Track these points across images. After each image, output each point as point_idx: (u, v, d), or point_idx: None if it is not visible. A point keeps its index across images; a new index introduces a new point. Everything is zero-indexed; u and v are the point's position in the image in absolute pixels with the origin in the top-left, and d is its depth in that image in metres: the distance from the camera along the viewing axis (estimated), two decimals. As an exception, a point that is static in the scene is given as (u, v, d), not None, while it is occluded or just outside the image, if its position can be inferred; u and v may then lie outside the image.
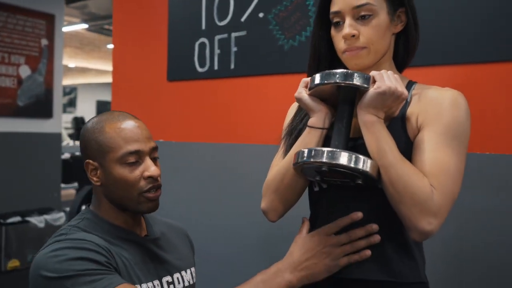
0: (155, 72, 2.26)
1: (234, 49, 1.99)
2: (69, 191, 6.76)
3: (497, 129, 1.36)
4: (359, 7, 0.97)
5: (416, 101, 0.98)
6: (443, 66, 1.45)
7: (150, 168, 1.03)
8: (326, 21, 1.04)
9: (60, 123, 4.29)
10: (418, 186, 0.87)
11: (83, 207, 1.12)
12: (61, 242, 0.96)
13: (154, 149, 1.07)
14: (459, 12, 1.43)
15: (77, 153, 6.69)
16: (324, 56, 1.07)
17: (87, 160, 1.06)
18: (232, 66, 2.00)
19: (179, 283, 1.12)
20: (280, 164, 1.04)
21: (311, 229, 1.03)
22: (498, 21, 1.37)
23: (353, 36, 0.97)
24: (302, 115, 1.08)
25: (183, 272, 1.14)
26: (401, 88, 0.90)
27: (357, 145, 0.96)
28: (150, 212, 1.08)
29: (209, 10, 2.06)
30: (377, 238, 0.96)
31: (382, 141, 0.90)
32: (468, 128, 0.95)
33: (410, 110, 0.97)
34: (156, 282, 1.07)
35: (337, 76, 0.91)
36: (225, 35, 2.01)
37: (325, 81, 0.93)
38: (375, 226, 0.96)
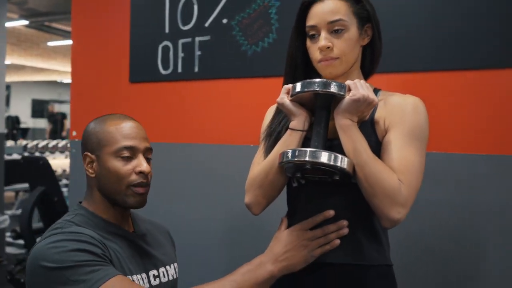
0: (117, 73, 2.28)
1: (198, 53, 2.06)
2: (8, 193, 6.45)
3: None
4: (333, 22, 1.09)
5: (382, 106, 1.12)
6: (399, 73, 1.62)
7: (142, 164, 1.11)
8: (302, 33, 1.16)
9: (3, 123, 4.14)
10: (388, 181, 1.00)
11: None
12: (59, 235, 1.01)
13: (149, 149, 1.15)
14: (410, 28, 1.60)
15: (14, 154, 6.42)
16: (300, 64, 1.19)
17: (85, 153, 1.13)
18: (196, 70, 2.07)
19: (164, 276, 1.19)
20: (263, 163, 1.14)
21: (290, 222, 1.13)
22: (448, 33, 1.55)
23: (328, 47, 1.09)
24: (281, 118, 1.18)
25: (167, 267, 1.21)
26: (372, 95, 1.02)
27: (333, 145, 1.08)
28: (137, 207, 1.14)
29: (172, 14, 2.11)
30: (345, 230, 1.09)
31: (357, 142, 1.02)
32: (427, 130, 1.10)
33: (377, 115, 1.11)
34: (144, 275, 1.13)
35: (317, 84, 1.03)
36: (189, 39, 2.08)
37: (306, 89, 1.04)
38: (345, 223, 1.09)
